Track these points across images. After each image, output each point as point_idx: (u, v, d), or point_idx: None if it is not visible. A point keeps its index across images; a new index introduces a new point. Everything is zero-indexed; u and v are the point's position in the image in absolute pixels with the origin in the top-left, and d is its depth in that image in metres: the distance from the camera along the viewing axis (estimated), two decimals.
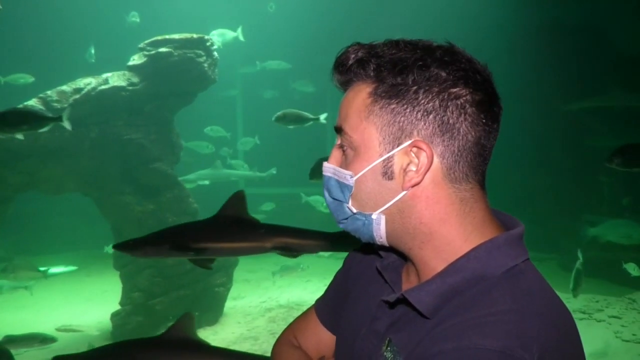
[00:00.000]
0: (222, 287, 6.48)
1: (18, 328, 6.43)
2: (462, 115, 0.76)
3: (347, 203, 0.82)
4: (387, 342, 0.87)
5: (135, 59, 6.43)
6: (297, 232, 2.17)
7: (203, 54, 6.53)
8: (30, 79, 7.48)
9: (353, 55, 0.81)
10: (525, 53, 9.45)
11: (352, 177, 0.81)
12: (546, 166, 9.06)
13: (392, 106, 0.77)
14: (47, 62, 8.63)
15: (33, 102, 5.89)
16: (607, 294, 6.74)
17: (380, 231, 0.82)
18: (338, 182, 0.82)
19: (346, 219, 0.84)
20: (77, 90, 6.02)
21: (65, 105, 5.90)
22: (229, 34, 6.72)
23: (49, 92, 5.99)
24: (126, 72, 6.37)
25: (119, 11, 9.06)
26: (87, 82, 6.12)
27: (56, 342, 4.56)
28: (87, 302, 7.40)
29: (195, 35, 6.51)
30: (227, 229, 2.11)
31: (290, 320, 1.27)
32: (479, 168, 0.80)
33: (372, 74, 0.80)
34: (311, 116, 5.82)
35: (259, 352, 3.91)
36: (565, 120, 9.47)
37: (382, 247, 0.90)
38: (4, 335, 4.39)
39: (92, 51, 8.55)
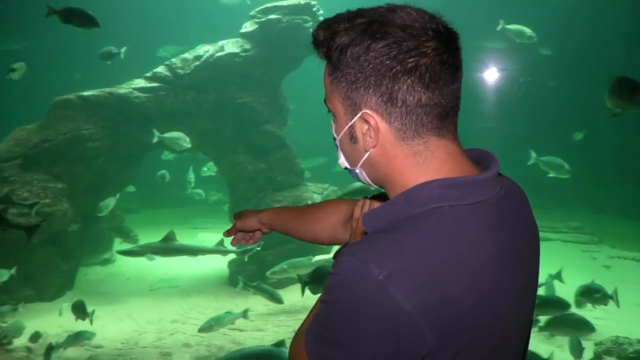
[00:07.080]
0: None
1: (150, 271, 7.34)
2: (397, 84, 0.87)
3: (340, 159, 1.03)
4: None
5: (247, 27, 6.81)
6: None
7: (309, 19, 6.75)
8: None
9: (316, 38, 0.94)
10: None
11: (335, 139, 1.00)
12: None
13: (342, 84, 0.92)
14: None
15: (161, 69, 6.52)
16: None
17: (366, 180, 1.01)
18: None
19: (346, 169, 1.05)
20: (197, 58, 6.53)
21: (188, 72, 6.47)
22: None
23: (173, 60, 6.58)
24: (239, 39, 6.78)
25: None
26: (206, 50, 6.62)
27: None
28: None
29: (302, 1, 6.74)
30: None
31: None
32: (431, 124, 0.90)
33: (323, 56, 0.94)
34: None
35: None
36: None
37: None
38: None
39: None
